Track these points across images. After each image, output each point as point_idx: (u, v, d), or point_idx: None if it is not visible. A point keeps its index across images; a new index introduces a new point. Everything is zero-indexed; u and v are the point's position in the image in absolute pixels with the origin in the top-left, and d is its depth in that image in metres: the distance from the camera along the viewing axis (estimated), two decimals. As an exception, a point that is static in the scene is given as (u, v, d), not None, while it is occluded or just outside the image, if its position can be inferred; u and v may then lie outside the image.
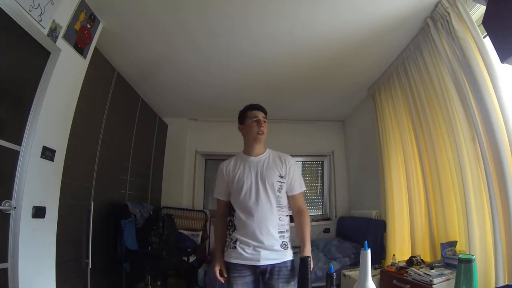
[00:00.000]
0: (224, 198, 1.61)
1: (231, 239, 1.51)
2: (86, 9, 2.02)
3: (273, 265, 1.45)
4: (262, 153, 1.60)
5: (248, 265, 1.45)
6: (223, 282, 1.49)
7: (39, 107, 1.68)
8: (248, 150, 1.61)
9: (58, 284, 1.79)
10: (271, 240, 1.46)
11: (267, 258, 1.44)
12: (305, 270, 0.95)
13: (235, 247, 1.47)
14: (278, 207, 1.51)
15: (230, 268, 1.48)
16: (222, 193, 1.61)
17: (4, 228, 1.49)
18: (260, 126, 1.57)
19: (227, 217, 1.60)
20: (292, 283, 1.46)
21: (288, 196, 1.59)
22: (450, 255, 1.97)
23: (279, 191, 1.52)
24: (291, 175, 1.57)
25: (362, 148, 4.03)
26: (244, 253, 1.45)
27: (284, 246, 1.48)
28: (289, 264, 1.49)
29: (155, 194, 4.01)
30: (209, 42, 2.55)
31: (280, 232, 1.49)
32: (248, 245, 1.46)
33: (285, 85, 3.43)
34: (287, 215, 1.57)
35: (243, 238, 1.47)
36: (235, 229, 1.52)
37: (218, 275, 1.49)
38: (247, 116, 1.62)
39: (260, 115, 1.61)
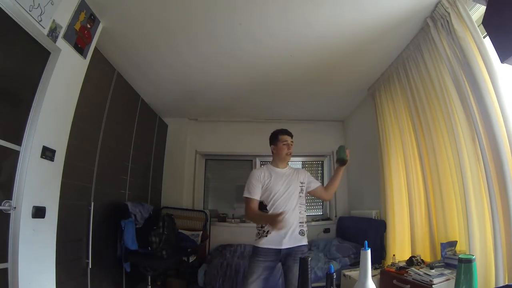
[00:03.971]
0: (257, 198, 1.93)
1: (264, 230, 1.87)
2: (86, 9, 2.03)
3: (291, 249, 1.84)
4: (286, 167, 2.05)
5: (274, 249, 1.83)
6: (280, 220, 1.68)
7: (39, 107, 1.68)
8: (277, 164, 2.03)
9: (58, 284, 1.80)
10: (292, 228, 1.87)
11: (288, 243, 1.84)
12: (305, 270, 0.95)
13: (266, 236, 1.84)
14: (300, 204, 1.95)
15: (257, 253, 1.84)
16: (257, 194, 1.93)
17: (4, 228, 1.50)
18: (289, 149, 2.02)
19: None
20: None
21: (314, 189, 2.07)
22: (450, 255, 1.97)
23: (301, 193, 1.98)
24: (308, 178, 2.06)
25: (362, 148, 4.03)
26: (273, 240, 1.83)
27: (301, 233, 1.90)
28: (304, 249, 1.89)
29: (155, 194, 4.01)
30: (210, 42, 2.55)
31: (300, 222, 1.91)
32: (277, 233, 1.82)
33: (285, 85, 3.43)
34: (305, 210, 1.99)
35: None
36: None
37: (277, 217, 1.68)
38: (279, 140, 2.03)
39: (289, 139, 2.03)
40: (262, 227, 1.89)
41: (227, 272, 3.05)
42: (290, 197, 1.92)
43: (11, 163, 1.56)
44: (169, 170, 4.34)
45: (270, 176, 1.95)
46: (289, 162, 2.10)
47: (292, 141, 2.05)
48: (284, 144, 2.02)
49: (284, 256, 1.85)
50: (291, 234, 1.85)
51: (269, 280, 1.86)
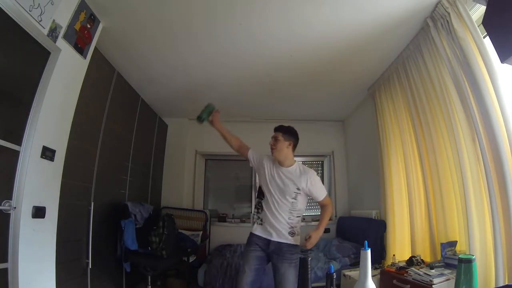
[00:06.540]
0: (251, 151, 2.06)
1: (259, 217, 1.95)
2: (86, 9, 2.03)
3: (280, 244, 1.84)
4: (291, 166, 1.95)
5: (264, 238, 1.88)
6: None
7: (39, 107, 1.68)
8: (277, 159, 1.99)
9: (58, 284, 1.79)
10: (282, 226, 1.87)
11: (276, 237, 1.86)
12: (305, 270, 0.95)
13: (261, 224, 1.92)
14: (291, 210, 1.89)
15: (250, 241, 1.92)
16: (253, 154, 2.05)
17: (4, 228, 1.49)
18: (271, 144, 1.96)
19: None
20: (293, 265, 1.81)
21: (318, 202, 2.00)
22: (450, 255, 1.97)
23: (295, 199, 1.89)
24: (310, 188, 1.91)
25: (362, 148, 4.03)
26: (264, 229, 1.90)
27: (291, 234, 1.88)
28: (291, 249, 1.85)
29: (155, 194, 4.01)
30: (210, 42, 2.55)
31: (290, 227, 1.88)
32: (268, 223, 1.89)
33: (286, 85, 3.43)
34: (298, 216, 1.92)
35: (266, 217, 1.89)
36: (263, 209, 1.93)
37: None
38: None
39: (277, 135, 1.94)
40: (258, 213, 1.97)
41: (227, 272, 3.05)
42: (281, 196, 1.89)
43: (11, 163, 1.56)
44: (169, 170, 4.34)
45: (269, 167, 1.97)
46: (298, 163, 2.01)
47: (275, 136, 1.95)
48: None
49: (272, 251, 1.86)
50: (278, 231, 1.87)
51: (260, 272, 1.88)
